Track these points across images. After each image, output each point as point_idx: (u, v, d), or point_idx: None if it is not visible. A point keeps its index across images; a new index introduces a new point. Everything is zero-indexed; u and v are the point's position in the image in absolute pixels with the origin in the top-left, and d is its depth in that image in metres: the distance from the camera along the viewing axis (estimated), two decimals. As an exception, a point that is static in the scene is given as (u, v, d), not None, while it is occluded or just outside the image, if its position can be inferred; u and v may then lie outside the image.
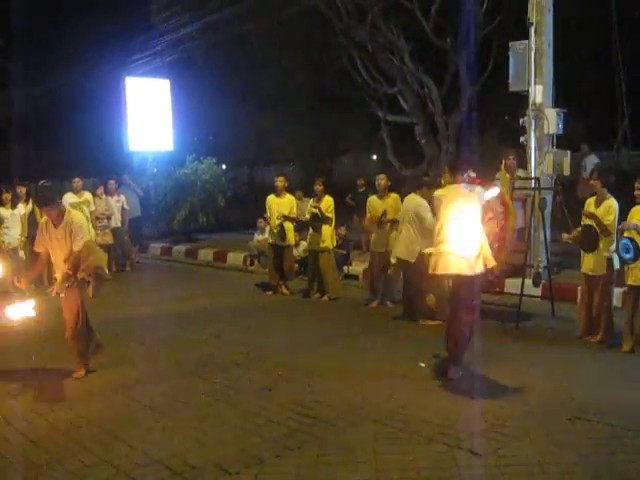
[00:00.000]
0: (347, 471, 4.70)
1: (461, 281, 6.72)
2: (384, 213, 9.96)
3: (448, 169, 7.03)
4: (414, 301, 9.24)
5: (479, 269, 6.71)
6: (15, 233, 11.52)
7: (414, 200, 9.23)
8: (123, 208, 14.17)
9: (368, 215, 10.31)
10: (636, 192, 7.40)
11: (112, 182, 14.18)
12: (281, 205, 11.32)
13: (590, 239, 7.76)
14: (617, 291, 8.50)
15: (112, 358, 7.75)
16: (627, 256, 7.29)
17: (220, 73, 22.59)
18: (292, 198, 11.57)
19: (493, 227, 8.65)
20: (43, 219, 7.06)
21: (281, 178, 11.50)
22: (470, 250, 6.62)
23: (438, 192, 7.13)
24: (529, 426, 5.40)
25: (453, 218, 6.65)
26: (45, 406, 6.15)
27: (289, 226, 11.31)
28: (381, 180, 10.24)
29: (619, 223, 7.62)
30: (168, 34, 19.54)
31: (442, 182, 9.79)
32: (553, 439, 5.15)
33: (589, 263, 7.89)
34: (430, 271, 6.90)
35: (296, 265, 12.14)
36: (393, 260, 9.62)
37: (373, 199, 10.30)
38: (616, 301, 8.53)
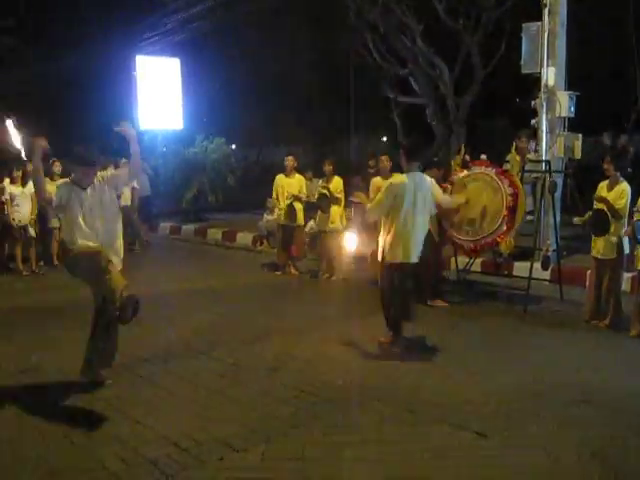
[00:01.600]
0: (353, 450, 4.72)
1: (413, 267, 6.96)
2: None
3: (404, 155, 7.02)
4: (422, 282, 9.23)
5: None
6: (25, 211, 11.57)
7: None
8: (133, 187, 14.16)
9: (372, 196, 10.26)
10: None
11: (124, 161, 14.17)
12: (290, 185, 11.30)
13: (601, 223, 7.73)
14: (626, 276, 8.47)
15: (120, 337, 7.79)
16: None
17: (230, 53, 22.51)
18: (301, 178, 11.54)
19: (498, 206, 8.69)
20: (61, 182, 6.29)
21: (290, 158, 11.47)
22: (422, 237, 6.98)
23: (396, 179, 7.00)
24: (535, 408, 5.42)
25: (412, 206, 6.80)
26: (53, 382, 6.20)
27: (298, 206, 11.29)
28: (385, 162, 10.21)
29: (631, 207, 7.59)
30: (179, 12, 19.46)
31: (452, 164, 9.79)
32: (559, 421, 5.16)
33: (599, 247, 7.87)
34: (396, 260, 6.87)
35: (307, 242, 12.16)
36: None
37: (377, 180, 10.25)
38: (625, 286, 8.51)
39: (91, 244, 5.94)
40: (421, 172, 7.13)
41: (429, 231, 7.80)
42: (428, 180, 7.10)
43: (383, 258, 6.99)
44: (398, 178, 6.99)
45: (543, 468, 4.47)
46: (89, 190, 6.07)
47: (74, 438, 4.97)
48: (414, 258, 6.91)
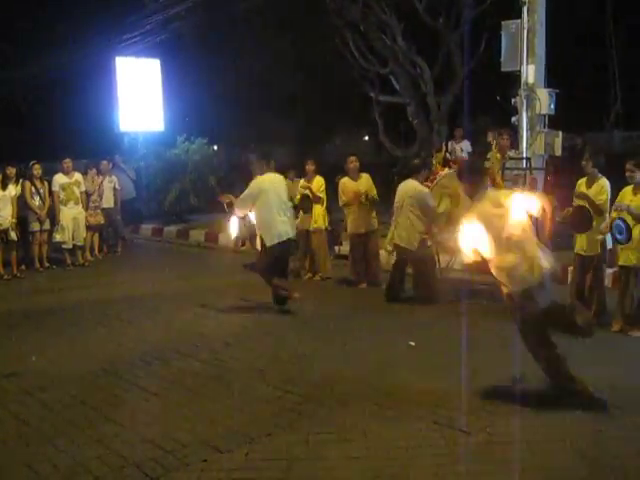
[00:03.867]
0: (337, 449, 4.72)
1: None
2: (366, 192, 10.00)
3: (262, 159, 8.83)
4: (420, 286, 9.23)
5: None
6: (6, 214, 11.46)
7: (414, 186, 9.10)
8: (115, 188, 14.10)
9: (342, 197, 10.29)
10: (627, 173, 7.40)
11: (105, 163, 14.11)
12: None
13: (582, 220, 7.74)
14: (608, 271, 8.52)
15: (102, 338, 7.77)
16: (620, 237, 7.30)
17: (211, 53, 22.43)
18: (281, 178, 11.50)
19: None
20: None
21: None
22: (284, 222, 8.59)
23: (257, 179, 8.62)
24: (518, 405, 5.42)
25: (270, 199, 8.47)
26: (36, 386, 6.15)
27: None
28: (354, 162, 10.27)
29: (611, 203, 7.63)
30: (158, 13, 19.36)
31: (433, 163, 9.82)
32: (542, 417, 5.19)
33: (582, 243, 7.87)
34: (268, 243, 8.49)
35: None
36: (389, 247, 9.56)
37: (346, 181, 10.31)
38: (606, 281, 8.56)
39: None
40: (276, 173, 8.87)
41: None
42: (282, 179, 8.95)
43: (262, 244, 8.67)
44: (260, 178, 8.61)
45: (527, 465, 4.48)
46: None
47: (57, 442, 4.94)
48: (278, 239, 8.46)
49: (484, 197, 5.54)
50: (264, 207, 8.45)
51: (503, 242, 5.34)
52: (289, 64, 22.50)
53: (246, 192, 8.53)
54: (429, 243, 9.27)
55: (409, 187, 9.15)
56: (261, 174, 8.64)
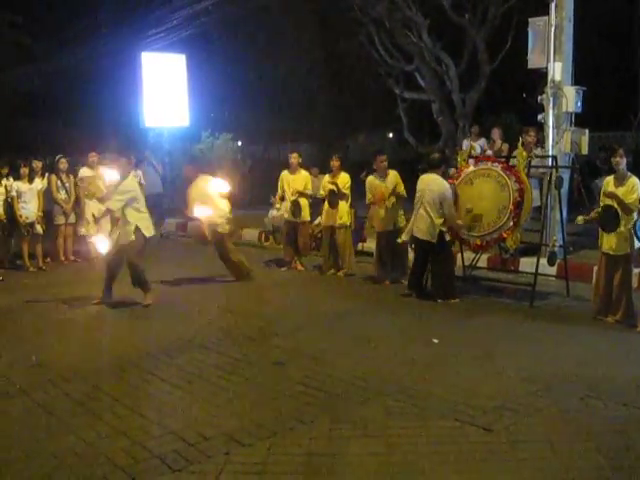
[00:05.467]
0: (359, 445, 4.73)
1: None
2: (394, 190, 10.00)
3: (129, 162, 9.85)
4: (442, 280, 9.19)
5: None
6: (32, 207, 11.60)
7: (434, 179, 9.10)
8: (140, 183, 14.18)
9: (369, 195, 10.28)
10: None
11: (131, 157, 14.19)
12: (295, 181, 11.31)
13: (611, 220, 7.65)
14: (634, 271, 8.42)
15: (126, 331, 7.84)
16: None
17: (236, 48, 22.49)
18: (306, 174, 11.54)
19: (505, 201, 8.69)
20: None
21: (294, 155, 11.50)
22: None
23: (132, 181, 9.33)
24: (541, 404, 5.41)
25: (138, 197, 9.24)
26: (61, 378, 6.22)
27: (304, 202, 11.30)
28: (384, 162, 10.21)
29: None
30: (185, 8, 19.45)
31: (458, 160, 9.78)
32: (565, 417, 5.16)
33: (611, 242, 7.73)
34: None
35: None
36: (404, 238, 9.54)
37: (373, 179, 10.28)
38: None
39: None
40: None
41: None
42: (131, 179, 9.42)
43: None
44: (130, 179, 9.29)
45: (548, 463, 4.47)
46: None
47: (82, 433, 5.00)
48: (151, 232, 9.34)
49: None
50: (140, 204, 9.17)
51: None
52: (314, 61, 22.52)
53: (124, 190, 9.06)
54: (448, 237, 9.23)
55: (429, 180, 9.13)
56: (127, 174, 9.33)
